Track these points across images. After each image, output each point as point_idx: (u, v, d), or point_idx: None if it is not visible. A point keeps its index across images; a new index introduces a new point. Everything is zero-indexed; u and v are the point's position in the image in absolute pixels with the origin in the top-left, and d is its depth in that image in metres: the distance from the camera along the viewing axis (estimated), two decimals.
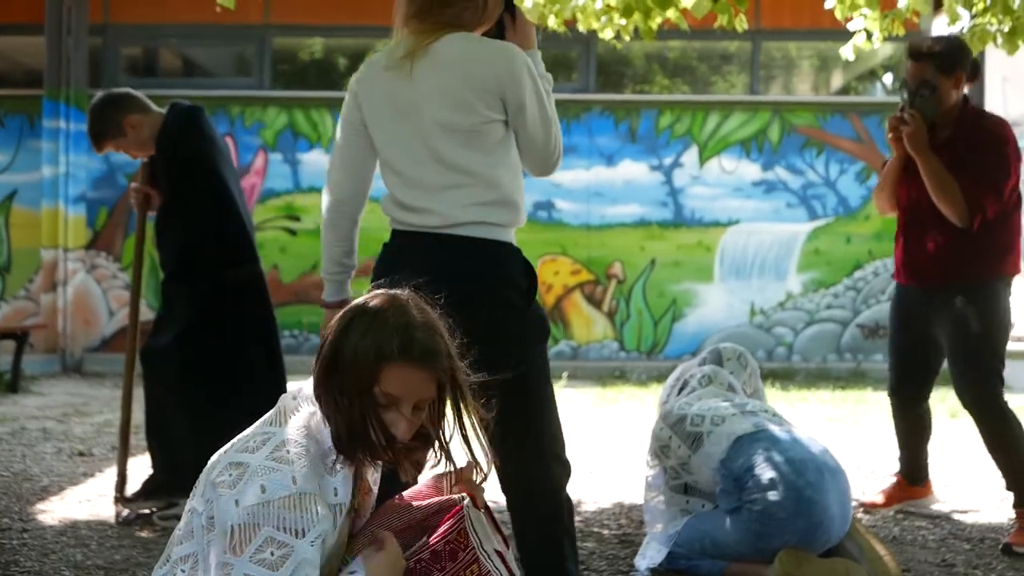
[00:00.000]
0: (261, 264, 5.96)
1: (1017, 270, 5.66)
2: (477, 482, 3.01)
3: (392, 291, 2.90)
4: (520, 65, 3.71)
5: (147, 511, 5.79)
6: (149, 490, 5.83)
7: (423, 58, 3.72)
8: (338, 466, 2.78)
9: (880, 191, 5.90)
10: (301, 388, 2.89)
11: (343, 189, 3.94)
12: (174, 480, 5.64)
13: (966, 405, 5.63)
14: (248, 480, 2.65)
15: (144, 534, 5.48)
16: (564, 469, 3.95)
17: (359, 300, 2.88)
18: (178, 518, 5.49)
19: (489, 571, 2.88)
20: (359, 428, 2.77)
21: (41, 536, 5.38)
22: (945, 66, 5.53)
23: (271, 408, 2.89)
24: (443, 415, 2.92)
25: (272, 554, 2.59)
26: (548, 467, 3.92)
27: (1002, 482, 5.63)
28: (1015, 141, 5.56)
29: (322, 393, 2.81)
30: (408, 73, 3.73)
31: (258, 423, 2.86)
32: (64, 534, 5.43)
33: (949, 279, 5.58)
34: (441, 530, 2.87)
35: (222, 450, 2.82)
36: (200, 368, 5.74)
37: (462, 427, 2.94)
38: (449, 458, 2.94)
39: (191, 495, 2.83)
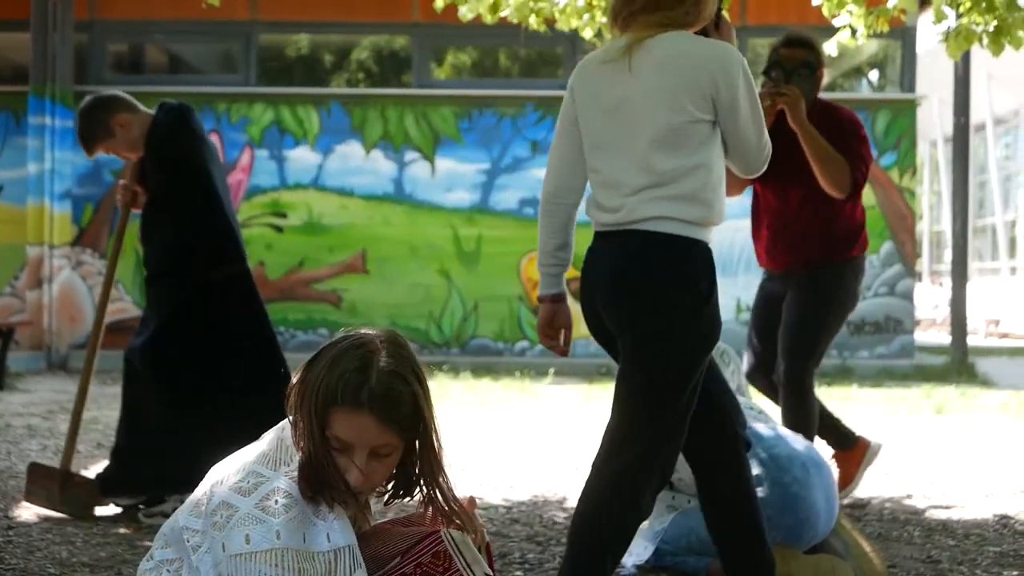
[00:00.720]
0: (248, 262, 5.96)
1: (864, 251, 5.88)
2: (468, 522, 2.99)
3: (371, 332, 2.84)
4: (736, 65, 3.69)
5: (122, 506, 5.78)
6: (105, 481, 5.80)
7: (641, 53, 3.69)
8: (330, 512, 2.77)
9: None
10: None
11: (557, 181, 3.92)
12: (159, 475, 5.64)
13: (779, 379, 5.80)
14: (235, 526, 2.68)
15: (129, 531, 5.47)
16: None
17: (337, 336, 2.84)
18: (164, 515, 5.50)
19: None
20: (321, 469, 2.75)
21: (26, 533, 5.36)
22: (819, 59, 5.77)
23: (263, 403, 2.91)
24: (428, 461, 2.88)
25: None
26: (734, 438, 3.93)
27: (987, 478, 5.65)
28: (864, 129, 5.77)
29: (294, 429, 2.81)
30: (626, 68, 3.70)
31: (258, 454, 2.85)
32: (49, 531, 5.42)
33: (799, 262, 5.81)
34: (414, 552, 2.86)
35: (224, 470, 2.83)
36: (179, 364, 5.73)
37: (427, 478, 2.90)
38: (434, 503, 2.92)
39: (183, 508, 2.85)
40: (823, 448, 6.12)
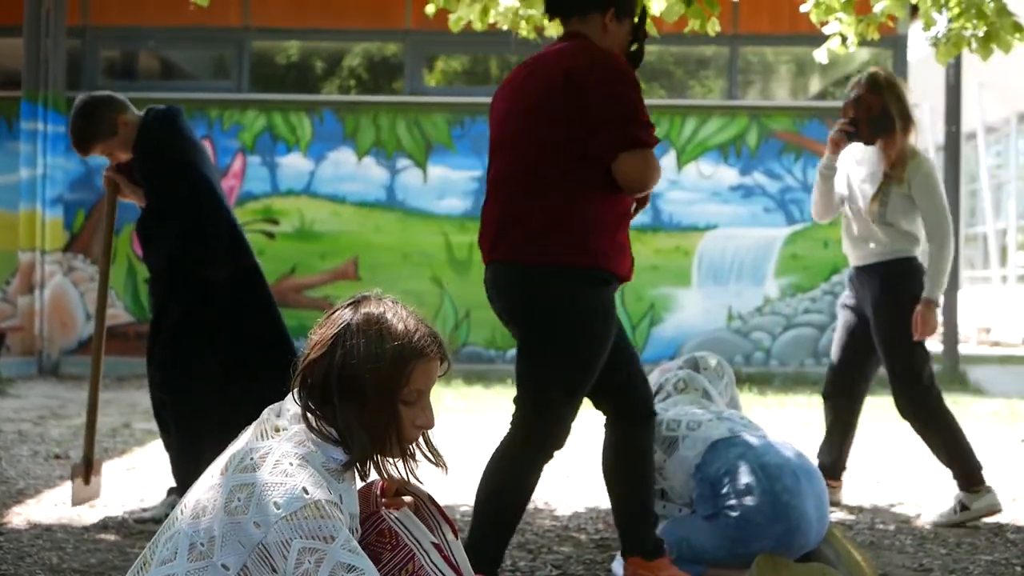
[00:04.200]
0: (254, 256, 5.94)
1: None
2: (408, 481, 3.02)
3: (369, 298, 2.93)
4: None
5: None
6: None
7: None
8: (340, 479, 2.79)
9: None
10: (285, 406, 2.89)
11: None
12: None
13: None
14: (259, 499, 2.66)
15: (120, 538, 5.46)
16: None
17: (343, 316, 2.88)
18: (156, 521, 5.50)
19: (423, 566, 2.89)
20: (381, 435, 2.83)
21: (16, 539, 5.36)
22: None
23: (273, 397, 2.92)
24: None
25: (309, 563, 2.61)
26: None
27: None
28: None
29: (330, 409, 2.82)
30: None
31: (245, 438, 2.85)
32: (40, 537, 5.41)
33: None
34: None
35: (214, 473, 2.80)
36: (193, 370, 5.74)
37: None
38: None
39: (175, 515, 2.80)
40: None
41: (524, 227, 4.35)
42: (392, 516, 2.93)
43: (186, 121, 5.94)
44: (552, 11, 4.67)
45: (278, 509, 2.64)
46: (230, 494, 2.70)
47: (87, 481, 5.99)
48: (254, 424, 2.88)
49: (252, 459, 2.74)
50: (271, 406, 2.92)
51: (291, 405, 2.88)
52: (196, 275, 5.74)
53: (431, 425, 2.90)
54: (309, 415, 2.82)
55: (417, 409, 2.87)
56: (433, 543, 2.95)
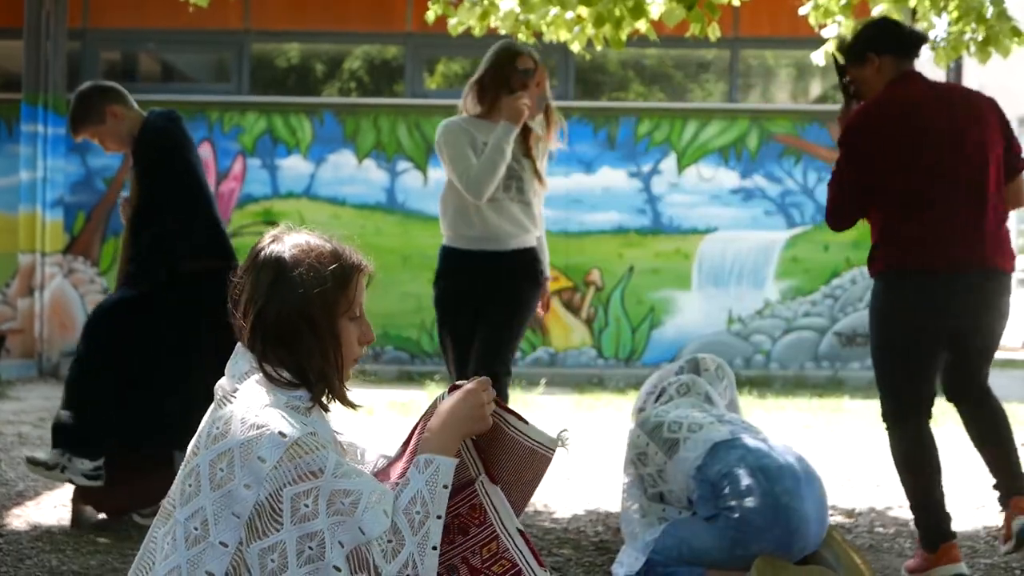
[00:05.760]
0: (235, 259, 5.96)
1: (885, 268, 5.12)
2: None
3: (283, 231, 3.01)
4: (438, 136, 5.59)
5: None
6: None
7: None
8: (307, 415, 2.80)
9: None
10: (231, 371, 2.87)
11: None
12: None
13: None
14: (242, 460, 2.66)
15: (119, 540, 5.46)
16: None
17: (273, 252, 2.92)
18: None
19: (507, 549, 2.86)
20: (336, 359, 2.87)
21: (16, 541, 5.36)
22: (845, 67, 5.37)
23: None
24: None
25: (307, 506, 2.62)
26: None
27: (978, 490, 5.64)
28: (851, 133, 5.11)
29: (283, 351, 2.83)
30: None
31: (205, 418, 2.84)
32: (40, 539, 5.42)
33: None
34: (452, 504, 2.82)
35: (188, 460, 2.79)
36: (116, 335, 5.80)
37: None
38: None
39: (167, 508, 2.79)
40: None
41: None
42: (486, 492, 2.88)
43: (183, 124, 6.02)
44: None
45: (264, 463, 2.64)
46: (211, 468, 2.69)
47: (87, 502, 5.92)
48: (212, 406, 2.87)
49: (219, 428, 2.74)
50: (219, 382, 2.90)
51: (238, 365, 2.87)
52: (167, 266, 5.80)
53: (372, 338, 2.97)
54: (266, 364, 2.83)
55: (360, 324, 2.94)
56: (519, 529, 2.88)
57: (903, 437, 5.10)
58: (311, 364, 2.83)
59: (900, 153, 4.90)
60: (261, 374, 2.82)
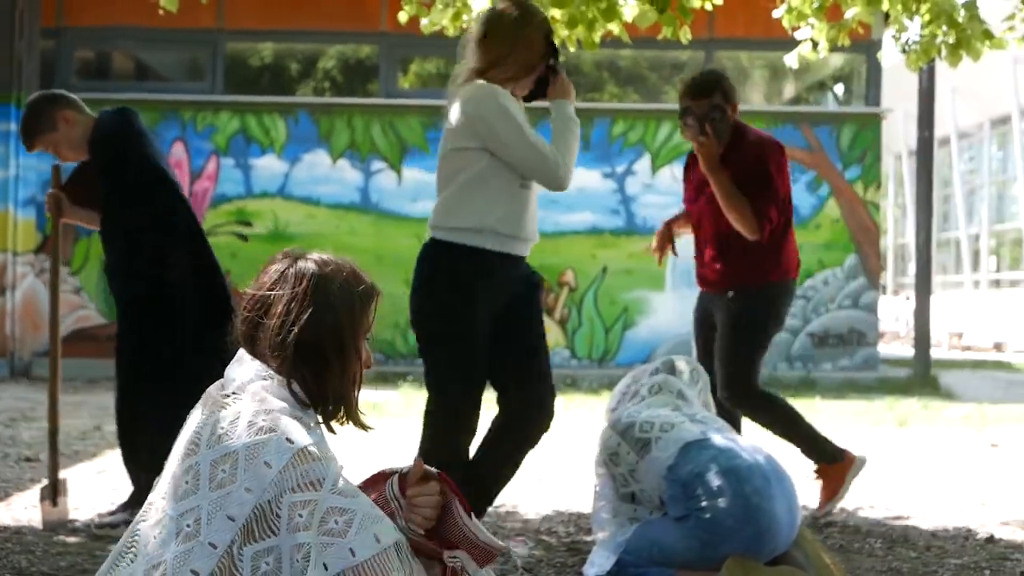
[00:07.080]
0: (214, 259, 5.95)
1: (788, 276, 6.30)
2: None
3: (302, 251, 2.96)
4: (487, 99, 4.67)
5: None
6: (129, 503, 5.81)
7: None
8: (311, 431, 2.77)
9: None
10: (229, 378, 2.84)
11: None
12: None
13: (732, 404, 6.12)
14: (247, 464, 2.64)
15: (89, 541, 5.44)
16: None
17: (305, 270, 2.88)
18: (113, 527, 5.48)
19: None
20: (353, 380, 2.87)
21: None
22: (728, 97, 5.96)
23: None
24: None
25: (300, 516, 2.60)
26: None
27: (949, 490, 5.69)
28: (777, 157, 6.07)
29: (305, 363, 2.80)
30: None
31: (197, 419, 2.78)
32: (9, 540, 5.39)
33: (726, 285, 6.21)
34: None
35: (179, 458, 2.74)
36: (150, 370, 5.76)
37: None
38: None
39: (152, 501, 2.76)
40: (803, 461, 6.18)
41: None
42: (459, 565, 2.88)
43: (140, 120, 5.93)
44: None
45: (270, 468, 2.63)
46: (212, 468, 2.67)
47: (55, 503, 5.88)
48: (200, 406, 2.83)
49: (223, 428, 2.71)
50: (211, 386, 2.86)
51: (236, 375, 2.83)
52: (146, 272, 5.76)
53: (372, 362, 2.94)
54: (292, 381, 2.80)
55: (366, 347, 2.93)
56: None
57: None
58: (331, 384, 2.83)
59: None
60: (267, 382, 2.79)
